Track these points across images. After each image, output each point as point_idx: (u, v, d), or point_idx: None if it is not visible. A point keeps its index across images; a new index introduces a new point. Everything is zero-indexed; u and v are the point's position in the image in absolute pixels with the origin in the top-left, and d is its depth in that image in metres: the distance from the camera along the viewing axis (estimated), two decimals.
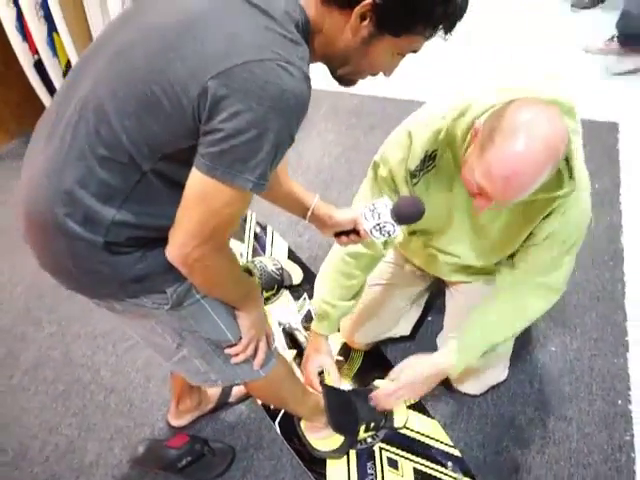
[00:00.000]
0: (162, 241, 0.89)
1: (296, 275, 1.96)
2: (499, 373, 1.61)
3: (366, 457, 1.49)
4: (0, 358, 1.81)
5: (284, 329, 1.80)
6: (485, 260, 1.43)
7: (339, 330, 1.69)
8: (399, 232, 1.12)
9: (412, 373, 1.43)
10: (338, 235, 1.25)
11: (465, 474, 1.44)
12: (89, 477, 1.50)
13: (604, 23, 3.23)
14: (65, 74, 2.59)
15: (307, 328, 1.82)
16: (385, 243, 1.41)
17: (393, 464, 1.47)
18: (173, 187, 0.86)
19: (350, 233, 1.22)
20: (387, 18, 0.83)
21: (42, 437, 1.59)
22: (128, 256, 0.91)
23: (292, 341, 1.78)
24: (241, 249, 2.08)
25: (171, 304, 0.98)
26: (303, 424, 1.53)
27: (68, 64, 2.55)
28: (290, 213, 1.32)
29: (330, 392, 1.48)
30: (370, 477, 1.45)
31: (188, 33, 0.79)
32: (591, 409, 1.59)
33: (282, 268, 1.93)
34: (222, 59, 0.76)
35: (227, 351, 1.10)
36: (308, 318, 1.85)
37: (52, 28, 2.44)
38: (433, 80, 3.04)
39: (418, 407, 1.59)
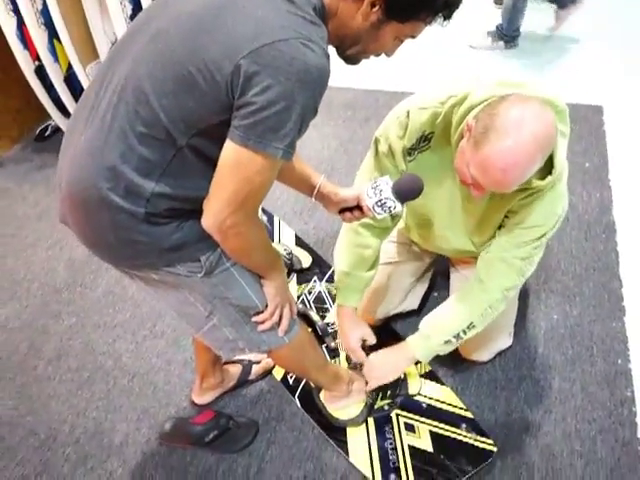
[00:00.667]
0: (196, 212, 0.97)
1: (305, 259, 2.04)
2: (505, 340, 1.70)
3: (384, 423, 1.57)
4: (23, 351, 1.86)
5: (297, 310, 1.87)
6: (467, 241, 1.50)
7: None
8: (400, 208, 1.20)
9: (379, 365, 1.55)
10: (342, 211, 1.33)
11: (479, 433, 1.52)
12: (120, 455, 1.56)
13: None
14: (66, 79, 2.65)
15: (318, 309, 1.89)
16: (392, 217, 1.48)
17: (410, 428, 1.55)
18: (206, 162, 0.94)
19: (354, 210, 1.30)
20: (395, 6, 0.93)
21: (71, 421, 1.65)
22: (165, 226, 0.99)
23: (305, 321, 1.84)
24: None
25: (204, 271, 1.06)
26: (322, 395, 1.60)
27: (69, 68, 2.61)
28: (298, 191, 1.39)
29: None
30: (389, 440, 1.52)
31: (220, 18, 0.87)
32: (593, 369, 1.68)
33: (292, 253, 2.00)
34: (252, 40, 0.85)
35: (254, 319, 1.18)
36: (319, 300, 1.93)
37: (52, 34, 2.50)
38: (421, 72, 3.20)
39: (431, 376, 1.68)
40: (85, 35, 2.55)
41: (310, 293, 1.95)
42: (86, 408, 1.68)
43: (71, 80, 2.66)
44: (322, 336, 1.78)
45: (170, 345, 1.84)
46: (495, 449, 1.48)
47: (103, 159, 0.93)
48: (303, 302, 1.91)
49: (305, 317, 1.85)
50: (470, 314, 1.41)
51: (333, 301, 1.92)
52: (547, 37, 3.62)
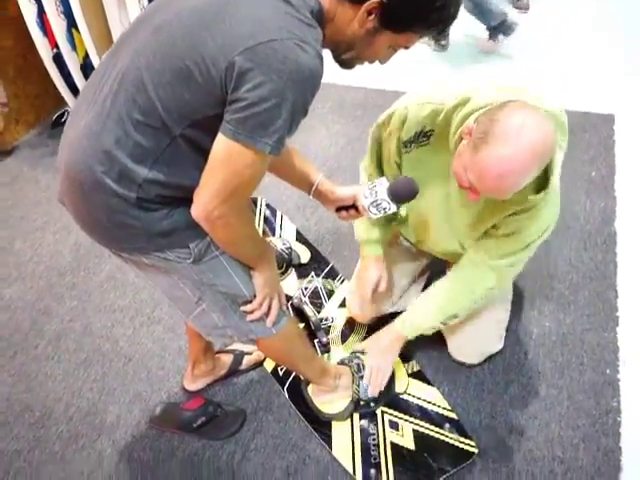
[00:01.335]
0: (187, 201, 1.01)
1: (304, 255, 2.07)
2: (495, 343, 1.71)
3: (369, 419, 1.59)
4: (25, 329, 1.92)
5: (292, 304, 1.90)
6: (456, 243, 1.52)
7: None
8: (394, 209, 1.23)
9: (375, 347, 1.63)
10: (339, 210, 1.36)
11: (461, 434, 1.54)
12: (110, 435, 1.61)
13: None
14: (83, 67, 2.71)
15: (314, 304, 1.92)
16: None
17: (394, 425, 1.57)
18: (199, 152, 0.98)
19: (350, 208, 1.33)
20: (390, 16, 0.97)
21: (66, 400, 1.70)
22: (156, 212, 1.03)
23: (299, 315, 1.87)
24: None
25: (193, 258, 1.09)
26: (310, 389, 1.63)
27: (86, 57, 2.67)
28: (297, 188, 1.43)
29: None
30: (372, 437, 1.55)
31: (220, 15, 0.91)
32: (581, 378, 1.69)
33: (291, 248, 2.03)
34: (248, 38, 0.88)
35: (243, 308, 1.21)
36: (315, 295, 1.96)
37: (71, 24, 2.55)
38: (433, 74, 3.22)
39: (419, 375, 1.70)
40: (102, 25, 2.60)
41: (307, 288, 1.97)
42: (81, 388, 1.73)
43: (87, 68, 2.71)
44: (315, 330, 1.81)
45: (166, 332, 1.88)
46: (476, 450, 1.50)
47: (99, 143, 0.97)
48: (299, 296, 1.93)
49: (299, 311, 1.88)
50: (452, 309, 1.51)
51: (329, 297, 1.96)
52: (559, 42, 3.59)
